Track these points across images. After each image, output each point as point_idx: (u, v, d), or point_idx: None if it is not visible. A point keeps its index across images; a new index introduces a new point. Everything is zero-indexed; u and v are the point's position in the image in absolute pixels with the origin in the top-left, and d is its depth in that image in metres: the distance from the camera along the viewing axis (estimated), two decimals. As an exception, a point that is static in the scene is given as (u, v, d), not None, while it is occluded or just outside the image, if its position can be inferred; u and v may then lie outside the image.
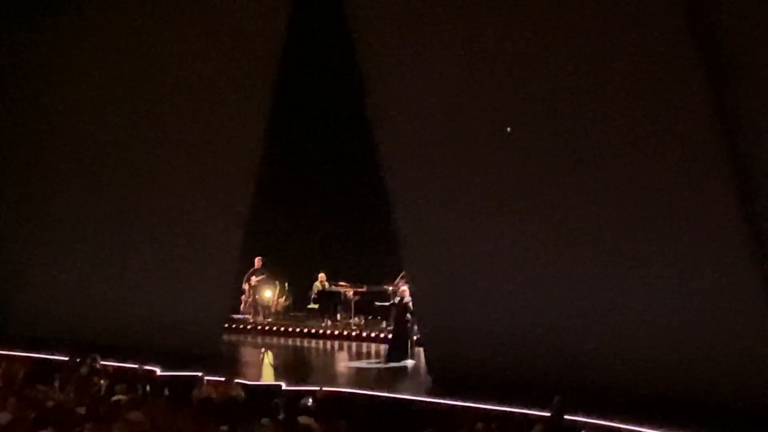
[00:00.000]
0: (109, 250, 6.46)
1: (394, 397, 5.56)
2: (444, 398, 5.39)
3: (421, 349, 6.32)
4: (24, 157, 6.75)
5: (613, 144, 5.36)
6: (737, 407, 5.04)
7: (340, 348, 7.22)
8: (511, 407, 5.22)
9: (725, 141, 5.10)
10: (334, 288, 7.75)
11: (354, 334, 7.40)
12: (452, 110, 5.78)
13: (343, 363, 6.77)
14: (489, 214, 5.72)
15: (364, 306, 7.59)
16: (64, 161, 6.62)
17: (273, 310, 7.89)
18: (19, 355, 5.86)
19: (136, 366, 5.49)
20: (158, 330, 6.16)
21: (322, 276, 7.92)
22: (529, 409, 5.12)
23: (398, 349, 6.55)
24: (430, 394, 5.63)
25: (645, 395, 5.23)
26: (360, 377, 6.19)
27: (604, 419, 4.96)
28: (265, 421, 4.69)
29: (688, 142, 5.17)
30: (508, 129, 5.56)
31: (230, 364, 6.09)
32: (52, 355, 5.94)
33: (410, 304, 6.42)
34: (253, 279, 7.68)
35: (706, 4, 5.16)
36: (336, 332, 7.49)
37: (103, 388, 5.16)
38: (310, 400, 5.02)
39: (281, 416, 4.85)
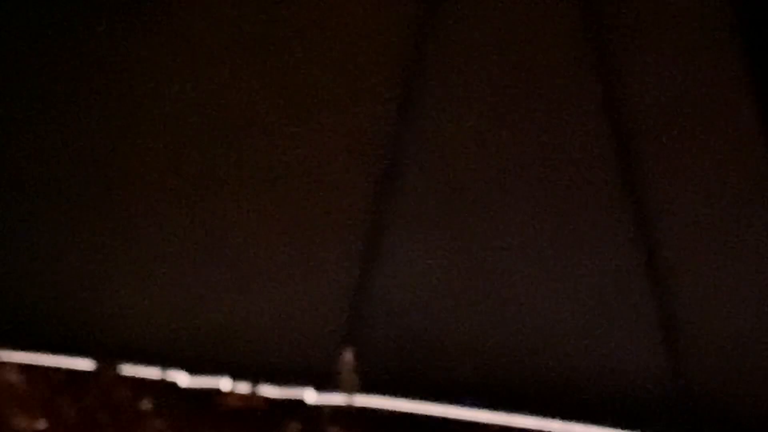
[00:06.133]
0: (217, 255, 6.31)
1: (426, 408, 5.52)
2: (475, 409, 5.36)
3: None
4: (121, 156, 6.56)
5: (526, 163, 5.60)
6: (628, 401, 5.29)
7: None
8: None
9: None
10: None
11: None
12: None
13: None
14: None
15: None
16: (166, 164, 6.46)
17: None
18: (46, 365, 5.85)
19: (160, 373, 5.47)
20: (267, 341, 6.04)
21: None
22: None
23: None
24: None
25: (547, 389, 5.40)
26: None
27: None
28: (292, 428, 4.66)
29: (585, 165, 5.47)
30: None
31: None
32: (78, 362, 5.92)
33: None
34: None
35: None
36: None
37: (126, 396, 5.15)
38: (332, 409, 5.00)
39: (306, 427, 4.82)
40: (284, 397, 5.54)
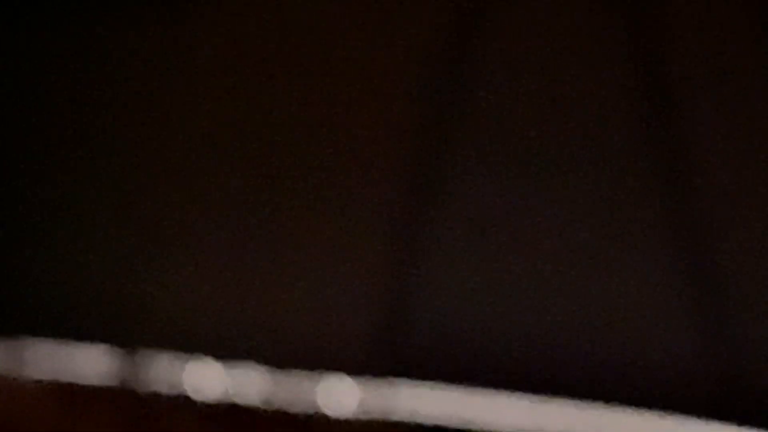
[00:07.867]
0: (252, 253, 6.18)
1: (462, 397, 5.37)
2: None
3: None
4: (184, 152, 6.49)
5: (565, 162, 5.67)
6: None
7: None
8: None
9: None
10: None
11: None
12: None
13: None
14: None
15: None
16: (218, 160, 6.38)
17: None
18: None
19: (189, 374, 5.32)
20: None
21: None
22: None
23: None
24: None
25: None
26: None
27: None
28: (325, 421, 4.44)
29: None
30: None
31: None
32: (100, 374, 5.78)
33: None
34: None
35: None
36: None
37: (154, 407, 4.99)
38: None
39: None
40: (318, 392, 5.38)
